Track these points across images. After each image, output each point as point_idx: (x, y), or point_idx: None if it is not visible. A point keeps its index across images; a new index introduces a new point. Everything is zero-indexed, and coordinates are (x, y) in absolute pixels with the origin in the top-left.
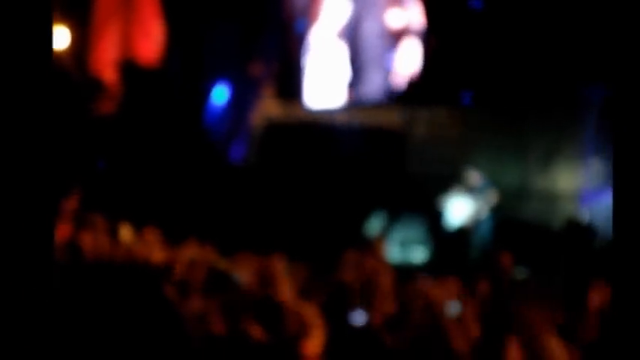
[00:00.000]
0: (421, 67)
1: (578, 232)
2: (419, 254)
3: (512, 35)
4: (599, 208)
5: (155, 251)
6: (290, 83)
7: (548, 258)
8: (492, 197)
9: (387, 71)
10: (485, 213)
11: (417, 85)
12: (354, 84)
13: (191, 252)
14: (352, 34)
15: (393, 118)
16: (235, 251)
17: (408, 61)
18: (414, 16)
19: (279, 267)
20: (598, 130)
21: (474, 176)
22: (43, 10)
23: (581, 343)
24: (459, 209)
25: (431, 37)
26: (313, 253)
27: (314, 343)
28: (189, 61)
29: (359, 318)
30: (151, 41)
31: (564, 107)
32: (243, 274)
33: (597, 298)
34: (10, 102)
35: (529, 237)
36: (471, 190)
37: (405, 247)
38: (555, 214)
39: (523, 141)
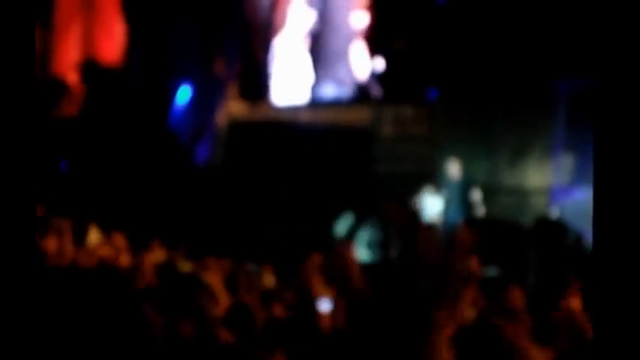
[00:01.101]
0: (386, 64)
1: (549, 228)
2: (386, 252)
3: (477, 30)
4: (569, 204)
5: (122, 256)
6: (254, 82)
7: (518, 255)
8: (474, 192)
9: (352, 69)
10: (478, 208)
11: (382, 82)
12: (319, 82)
13: (158, 256)
14: (317, 32)
15: (359, 116)
16: (203, 254)
17: (371, 59)
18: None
19: (248, 270)
20: (567, 125)
21: (454, 169)
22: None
23: (556, 344)
24: (427, 208)
25: (396, 34)
26: (281, 255)
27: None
28: (151, 61)
29: (325, 305)
30: (112, 42)
31: (533, 102)
32: (211, 277)
33: (572, 297)
34: None
35: (499, 234)
36: (449, 184)
37: (373, 248)
38: (525, 210)
39: (491, 137)
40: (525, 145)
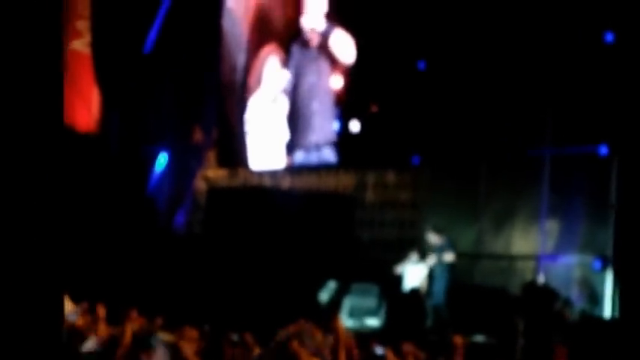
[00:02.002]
0: (368, 130)
1: (536, 294)
2: (372, 321)
3: (459, 96)
4: (555, 270)
5: (98, 325)
6: (232, 148)
7: (506, 321)
8: (451, 257)
9: (331, 134)
10: (444, 273)
11: (364, 147)
12: (298, 147)
13: (135, 325)
14: (293, 97)
15: (341, 182)
16: (181, 323)
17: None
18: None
19: (231, 340)
20: (552, 191)
21: (434, 236)
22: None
23: None
24: (411, 274)
25: (377, 100)
26: (262, 325)
27: None
28: (128, 128)
29: None
30: (88, 109)
31: (517, 168)
32: (189, 347)
33: None
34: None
35: (485, 300)
36: (430, 250)
37: (358, 315)
38: (512, 276)
39: (476, 203)
40: (510, 211)
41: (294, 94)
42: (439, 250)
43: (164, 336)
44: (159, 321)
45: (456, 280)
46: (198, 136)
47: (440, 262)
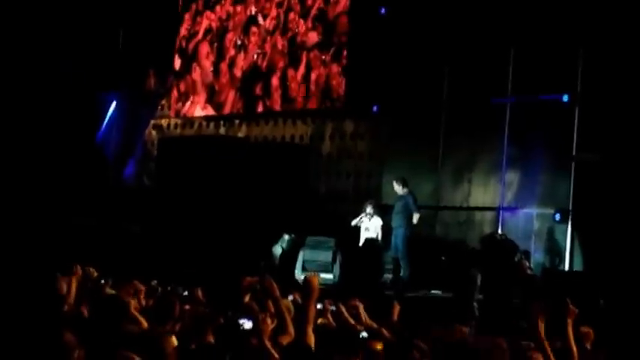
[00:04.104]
0: (327, 78)
1: (495, 246)
2: (327, 276)
3: (420, 43)
4: (514, 222)
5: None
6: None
7: (464, 274)
8: (417, 217)
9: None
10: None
11: (322, 95)
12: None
13: (84, 279)
14: None
15: (297, 130)
16: (129, 277)
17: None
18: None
19: (179, 294)
20: (511, 143)
21: (398, 186)
22: None
23: None
24: (368, 226)
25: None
26: (213, 278)
27: None
28: (77, 74)
29: (247, 324)
30: None
31: (478, 117)
32: (134, 302)
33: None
34: None
35: (443, 252)
36: (396, 200)
37: (311, 269)
38: (470, 228)
39: (436, 153)
40: (470, 162)
41: None
42: (401, 200)
43: (109, 290)
44: (107, 275)
45: (414, 232)
46: (151, 82)
47: (399, 213)
